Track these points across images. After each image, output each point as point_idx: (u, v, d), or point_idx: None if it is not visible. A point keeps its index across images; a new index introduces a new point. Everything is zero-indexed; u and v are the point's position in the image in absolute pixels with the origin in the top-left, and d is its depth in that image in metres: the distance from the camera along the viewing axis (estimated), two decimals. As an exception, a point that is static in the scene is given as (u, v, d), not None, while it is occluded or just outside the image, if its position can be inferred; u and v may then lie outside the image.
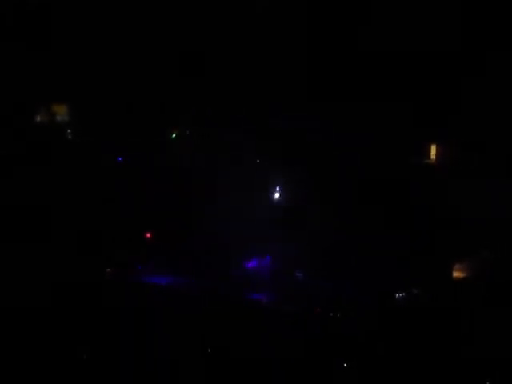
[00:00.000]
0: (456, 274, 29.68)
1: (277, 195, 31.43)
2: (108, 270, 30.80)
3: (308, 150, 31.19)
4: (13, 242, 29.92)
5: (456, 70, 29.00)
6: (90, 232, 30.66)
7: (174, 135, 32.77)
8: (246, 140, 31.09)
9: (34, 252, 29.78)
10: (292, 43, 30.03)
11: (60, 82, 31.63)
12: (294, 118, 30.57)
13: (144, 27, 30.68)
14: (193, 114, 32.02)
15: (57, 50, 31.11)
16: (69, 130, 32.86)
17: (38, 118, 32.83)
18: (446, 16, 28.66)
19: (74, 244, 30.38)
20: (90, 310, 28.30)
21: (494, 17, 28.25)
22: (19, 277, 28.92)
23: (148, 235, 31.76)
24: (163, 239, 31.54)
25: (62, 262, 29.80)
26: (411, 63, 29.45)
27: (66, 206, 30.72)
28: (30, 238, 30.14)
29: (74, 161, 31.60)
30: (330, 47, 29.79)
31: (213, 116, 31.67)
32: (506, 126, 28.74)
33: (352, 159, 30.50)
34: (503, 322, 26.58)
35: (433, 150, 30.82)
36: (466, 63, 28.84)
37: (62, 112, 32.89)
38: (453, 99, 28.95)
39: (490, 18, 28.26)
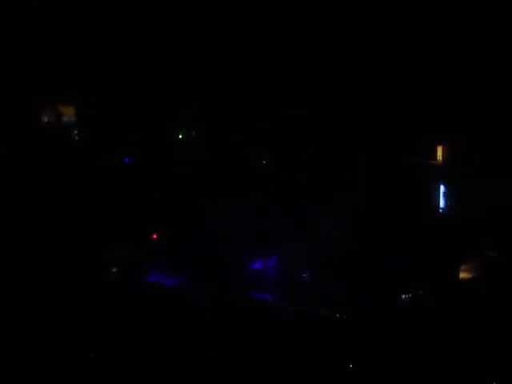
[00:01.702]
0: (462, 275, 29.65)
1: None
2: (114, 269, 30.91)
3: (313, 150, 31.24)
4: (19, 243, 30.00)
5: (460, 70, 28.98)
6: (96, 232, 30.75)
7: (180, 136, 32.94)
8: (249, 141, 31.24)
9: (39, 251, 29.84)
10: (292, 43, 30.07)
11: (66, 83, 31.75)
12: (295, 117, 30.66)
13: (146, 28, 30.75)
14: (193, 114, 32.10)
15: (60, 51, 31.18)
16: (75, 131, 33.04)
17: (46, 119, 32.99)
18: (448, 16, 28.66)
19: (79, 244, 30.44)
20: (94, 309, 28.30)
21: (495, 17, 28.22)
22: (25, 277, 28.97)
23: (155, 236, 31.84)
24: (170, 240, 31.60)
25: (68, 262, 29.84)
26: (417, 64, 29.47)
27: (72, 206, 30.82)
28: (36, 237, 30.20)
29: (80, 161, 31.74)
30: (333, 47, 29.81)
31: (213, 117, 31.77)
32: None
33: (356, 161, 30.54)
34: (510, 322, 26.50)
35: (439, 151, 30.83)
36: (468, 64, 28.87)
37: (68, 113, 33.05)
38: (457, 100, 28.91)
39: (490, 18, 28.23)
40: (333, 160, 30.79)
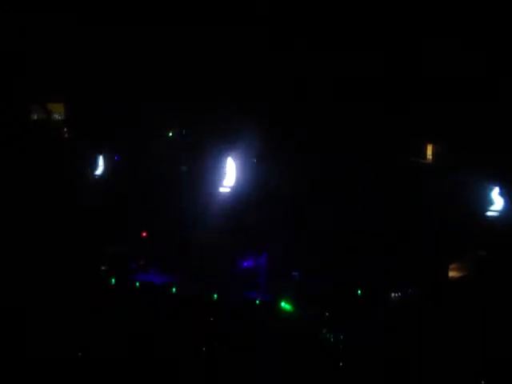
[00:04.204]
0: (452, 274, 29.65)
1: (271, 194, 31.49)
2: (103, 268, 30.85)
3: (304, 150, 31.21)
4: (8, 241, 29.88)
5: (452, 69, 29.00)
6: (85, 230, 30.67)
7: (170, 134, 32.98)
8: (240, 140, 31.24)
9: (29, 251, 29.72)
10: (286, 41, 30.10)
11: (56, 81, 31.73)
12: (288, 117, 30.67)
13: (139, 29, 30.77)
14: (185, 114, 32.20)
15: (49, 49, 31.18)
16: (65, 129, 33.03)
17: (35, 117, 32.99)
18: (442, 17, 28.73)
19: (69, 243, 30.34)
20: (84, 309, 28.22)
21: (490, 20, 28.30)
22: (14, 277, 28.86)
23: (143, 234, 31.79)
24: (158, 238, 31.56)
25: (57, 262, 29.72)
26: (408, 63, 29.53)
27: (60, 205, 30.74)
28: (26, 237, 30.08)
29: (69, 159, 31.69)
30: (324, 44, 29.82)
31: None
32: (502, 127, 28.72)
33: (347, 159, 30.53)
34: (500, 322, 26.46)
35: (429, 149, 30.85)
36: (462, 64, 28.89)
37: (58, 110, 33.04)
38: (448, 98, 28.94)
39: (485, 21, 28.31)
40: (327, 159, 30.86)
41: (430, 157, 30.70)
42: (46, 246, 29.82)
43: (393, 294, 28.74)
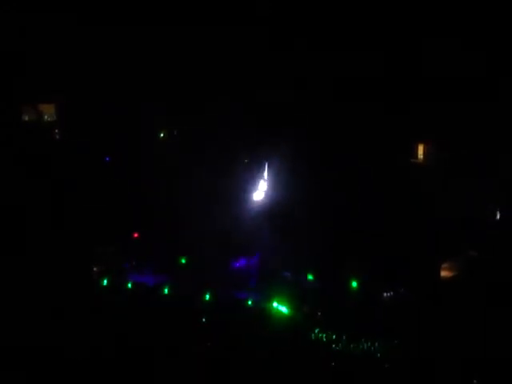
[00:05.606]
0: (443, 274, 29.74)
1: (264, 195, 31.54)
2: (95, 269, 30.77)
3: (298, 151, 31.23)
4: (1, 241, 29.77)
5: (452, 69, 29.08)
6: (77, 231, 30.57)
7: (161, 134, 32.95)
8: (235, 140, 31.23)
9: (22, 252, 29.59)
10: (286, 41, 30.15)
11: (47, 81, 31.63)
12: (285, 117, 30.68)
13: (138, 29, 30.72)
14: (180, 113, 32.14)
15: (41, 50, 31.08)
16: (56, 130, 32.93)
17: (26, 118, 32.88)
18: (442, 17, 28.82)
19: (60, 244, 30.24)
20: (77, 310, 28.13)
21: (490, 20, 28.40)
22: (7, 277, 28.72)
23: (135, 235, 31.74)
24: (150, 239, 31.51)
25: (50, 262, 29.62)
26: (401, 62, 29.61)
27: (51, 206, 30.64)
28: (17, 238, 29.96)
29: (61, 160, 31.60)
30: (322, 46, 29.84)
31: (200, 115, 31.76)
32: (502, 127, 28.82)
33: (340, 159, 30.58)
34: (491, 321, 26.55)
35: (420, 149, 30.92)
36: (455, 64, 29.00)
37: (49, 112, 32.96)
38: (448, 98, 29.01)
39: (485, 21, 28.40)
40: (321, 160, 30.87)
41: (422, 156, 30.80)
42: (38, 247, 29.70)
43: (385, 294, 28.82)
